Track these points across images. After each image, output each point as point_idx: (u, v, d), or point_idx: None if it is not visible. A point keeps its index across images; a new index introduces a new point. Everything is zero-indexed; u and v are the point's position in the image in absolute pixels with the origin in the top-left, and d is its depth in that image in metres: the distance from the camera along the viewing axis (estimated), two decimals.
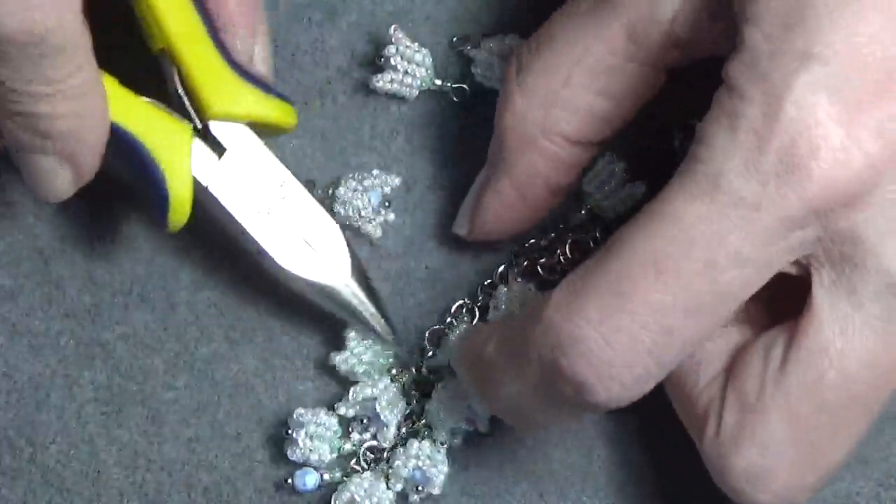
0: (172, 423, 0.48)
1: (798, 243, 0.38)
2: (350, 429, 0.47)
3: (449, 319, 0.48)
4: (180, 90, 0.44)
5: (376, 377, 0.47)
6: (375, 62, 0.49)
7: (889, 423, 0.47)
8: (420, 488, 0.46)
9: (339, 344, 0.47)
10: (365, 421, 0.47)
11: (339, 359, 0.47)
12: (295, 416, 0.46)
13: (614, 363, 0.38)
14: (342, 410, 0.47)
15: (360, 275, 0.46)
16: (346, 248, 0.46)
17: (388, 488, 0.46)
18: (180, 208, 0.44)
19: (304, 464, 0.46)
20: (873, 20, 0.37)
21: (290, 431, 0.46)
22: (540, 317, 0.39)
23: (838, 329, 0.38)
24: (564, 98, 0.43)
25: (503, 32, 0.49)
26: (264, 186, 0.45)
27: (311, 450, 0.46)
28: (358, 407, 0.47)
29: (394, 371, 0.47)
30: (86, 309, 0.48)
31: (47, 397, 0.48)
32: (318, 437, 0.46)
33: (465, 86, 0.49)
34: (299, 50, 0.50)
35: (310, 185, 0.48)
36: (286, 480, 0.47)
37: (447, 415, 0.46)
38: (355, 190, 0.48)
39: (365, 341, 0.47)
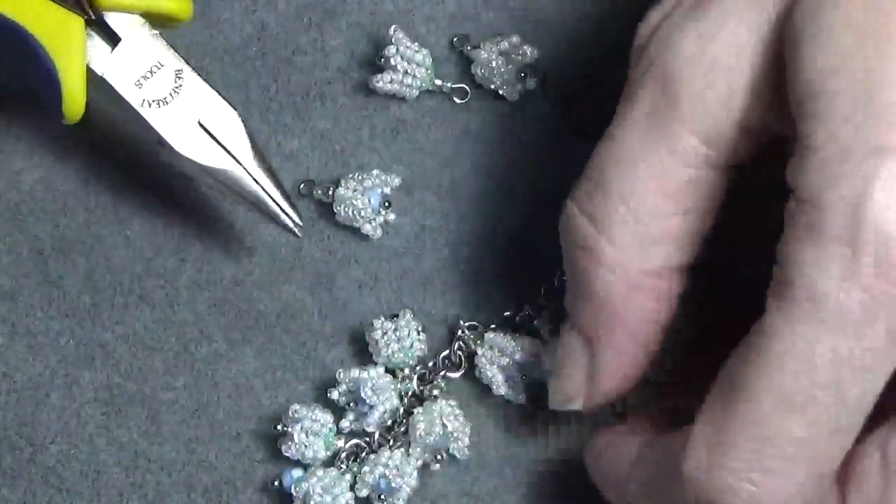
0: (172, 423, 0.48)
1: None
2: (342, 419, 0.47)
3: (457, 344, 0.48)
4: None
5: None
6: (375, 62, 0.49)
7: None
8: (382, 497, 0.46)
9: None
10: (352, 405, 0.46)
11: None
12: (290, 411, 0.46)
13: (774, 501, 0.37)
14: (334, 395, 0.47)
15: (262, 161, 0.45)
16: (244, 133, 0.45)
17: (354, 492, 0.46)
18: (75, 99, 0.44)
19: (299, 461, 0.46)
20: None
21: (285, 427, 0.46)
22: (679, 473, 0.38)
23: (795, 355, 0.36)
24: (658, 232, 0.40)
25: (503, 32, 0.49)
26: (160, 76, 0.45)
27: (305, 445, 0.46)
28: (347, 389, 0.46)
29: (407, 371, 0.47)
30: (86, 309, 0.48)
31: (47, 397, 0.48)
32: (313, 434, 0.46)
33: (465, 86, 0.49)
34: (299, 50, 0.50)
35: (310, 185, 0.48)
36: (273, 482, 0.47)
37: (426, 434, 0.46)
38: (355, 190, 0.48)
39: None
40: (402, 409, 0.47)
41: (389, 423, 0.47)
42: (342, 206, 0.48)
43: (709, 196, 0.40)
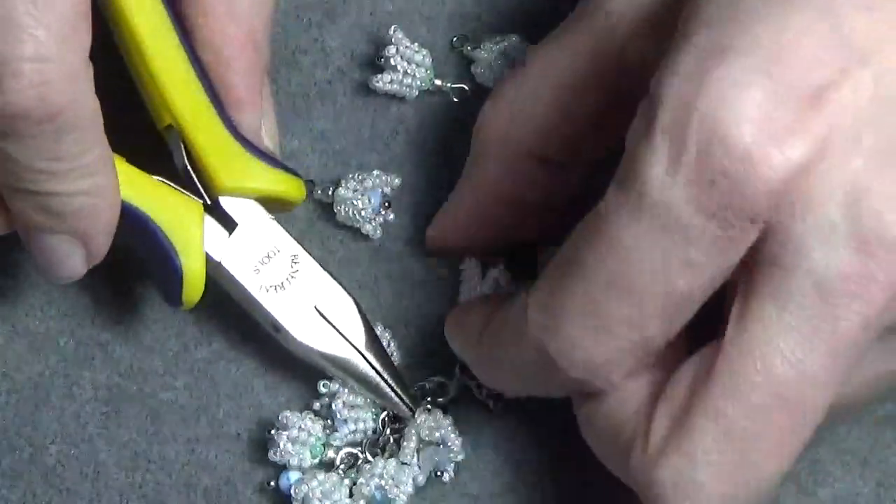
0: (172, 423, 0.48)
1: (739, 247, 0.37)
2: (331, 429, 0.47)
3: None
4: (188, 167, 0.44)
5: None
6: (375, 62, 0.49)
7: (889, 423, 0.47)
8: None
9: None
10: (329, 420, 0.46)
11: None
12: (280, 417, 0.46)
13: (603, 366, 0.39)
14: (316, 406, 0.47)
15: (377, 345, 0.46)
16: (360, 320, 0.45)
17: (353, 500, 0.46)
18: (194, 285, 0.44)
19: (286, 466, 0.46)
20: (807, 14, 0.35)
21: (272, 432, 0.46)
22: (523, 330, 0.40)
23: (763, 331, 0.37)
24: (528, 112, 0.43)
25: (503, 32, 0.49)
26: (277, 261, 0.45)
27: (291, 453, 0.46)
28: (328, 402, 0.46)
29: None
30: (86, 309, 0.48)
31: (47, 397, 0.48)
32: (299, 442, 0.46)
33: (465, 86, 0.49)
34: (299, 50, 0.50)
35: (310, 185, 0.48)
36: (268, 483, 0.47)
37: (418, 447, 0.46)
38: (355, 190, 0.48)
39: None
40: (384, 420, 0.47)
41: (360, 440, 0.47)
42: (342, 206, 0.48)
43: (589, 109, 0.42)
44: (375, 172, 0.48)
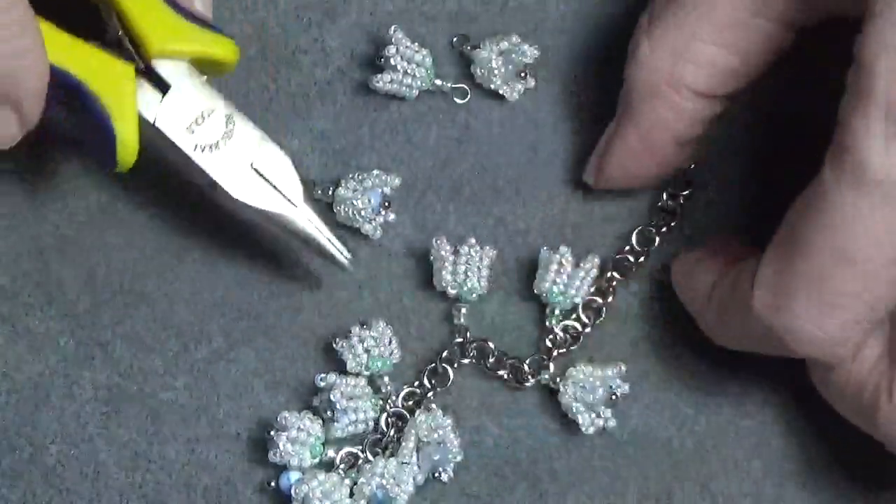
0: (172, 423, 0.48)
1: None
2: (330, 421, 0.47)
3: (446, 354, 0.48)
4: (120, 30, 0.44)
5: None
6: (375, 62, 0.49)
7: None
8: None
9: (339, 342, 0.48)
10: (329, 412, 0.46)
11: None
12: (279, 417, 0.46)
13: (834, 342, 0.40)
14: (316, 402, 0.47)
15: (312, 200, 0.46)
16: (296, 177, 0.45)
17: (353, 500, 0.46)
18: (128, 147, 0.44)
19: (286, 466, 0.46)
20: None
21: (271, 432, 0.46)
22: (749, 308, 0.41)
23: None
24: (692, 50, 0.43)
25: (503, 32, 0.49)
26: (211, 122, 0.45)
27: (291, 453, 0.46)
28: (327, 396, 0.46)
29: (386, 380, 0.47)
30: (86, 309, 0.48)
31: (47, 397, 0.48)
32: (299, 442, 0.46)
33: (465, 86, 0.49)
34: (299, 50, 0.50)
35: (309, 185, 0.48)
36: (268, 483, 0.47)
37: (418, 447, 0.46)
38: (355, 190, 0.48)
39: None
40: (387, 420, 0.47)
41: (360, 431, 0.47)
42: (342, 206, 0.48)
43: (753, 43, 0.43)
44: (375, 172, 0.48)
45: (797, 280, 0.40)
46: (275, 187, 0.45)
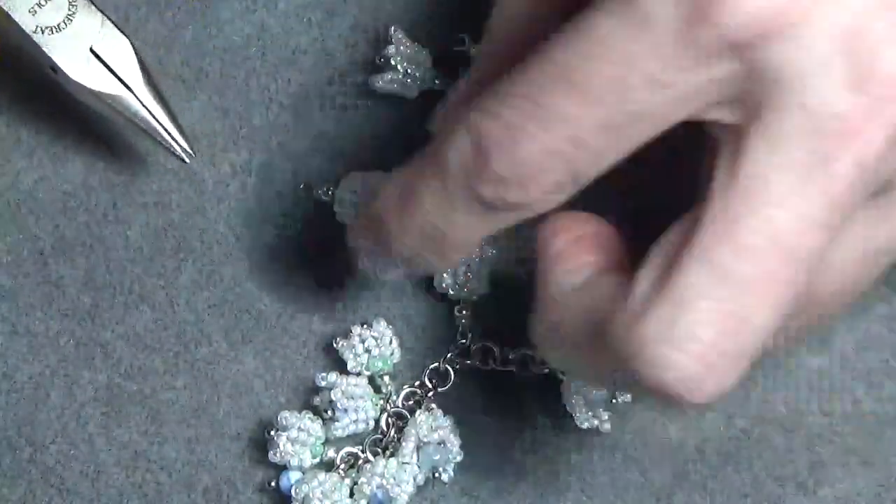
0: (172, 423, 0.48)
1: (719, 78, 0.35)
2: (330, 421, 0.47)
3: (449, 355, 0.48)
4: None
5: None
6: (375, 62, 0.49)
7: (889, 424, 0.47)
8: None
9: (339, 341, 0.48)
10: (329, 412, 0.46)
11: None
12: (279, 417, 0.46)
13: (531, 164, 0.37)
14: (316, 401, 0.47)
15: (153, 88, 0.46)
16: (136, 61, 0.46)
17: (354, 500, 0.46)
18: None
19: (286, 466, 0.46)
20: None
21: (271, 432, 0.46)
22: (456, 127, 0.38)
23: (755, 174, 0.36)
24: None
25: None
26: (54, 4, 0.45)
27: (291, 453, 0.46)
28: (328, 395, 0.47)
29: (387, 380, 0.47)
30: (86, 309, 0.48)
31: (47, 397, 0.48)
32: (299, 442, 0.46)
33: None
34: (299, 50, 0.50)
35: (309, 185, 0.48)
36: (268, 483, 0.47)
37: (418, 446, 0.46)
38: (354, 190, 0.48)
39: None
40: (387, 420, 0.47)
41: (361, 430, 0.47)
42: (342, 206, 0.48)
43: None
44: (377, 173, 0.48)
45: (517, 87, 0.36)
46: (112, 71, 0.45)
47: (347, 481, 0.46)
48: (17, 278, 0.48)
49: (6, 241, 0.49)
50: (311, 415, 0.47)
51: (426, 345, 0.48)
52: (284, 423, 0.46)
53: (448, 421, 0.47)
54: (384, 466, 0.46)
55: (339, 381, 0.46)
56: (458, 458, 0.46)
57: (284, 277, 0.48)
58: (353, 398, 0.46)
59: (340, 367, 0.47)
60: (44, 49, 0.45)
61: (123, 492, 0.47)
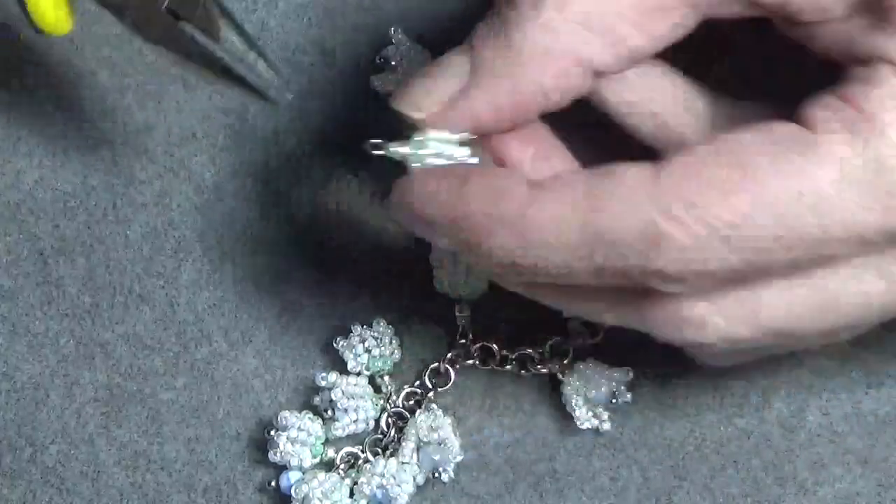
0: (172, 423, 0.48)
1: None
2: (331, 421, 0.47)
3: (449, 355, 0.48)
4: None
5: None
6: (375, 62, 0.49)
7: (889, 423, 0.47)
8: None
9: (339, 341, 0.48)
10: (329, 412, 0.47)
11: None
12: (279, 417, 0.46)
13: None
14: (316, 401, 0.47)
15: (236, 30, 0.43)
16: (213, 8, 0.43)
17: (354, 500, 0.46)
18: (46, 17, 0.42)
19: (286, 466, 0.46)
20: None
21: (271, 432, 0.46)
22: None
23: None
24: (607, 26, 0.39)
25: None
26: None
27: (291, 453, 0.46)
28: (328, 395, 0.47)
29: (387, 380, 0.47)
30: (86, 309, 0.48)
31: (47, 397, 0.48)
32: (299, 442, 0.46)
33: None
34: (299, 50, 0.50)
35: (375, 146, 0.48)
36: (268, 483, 0.47)
37: (418, 446, 0.46)
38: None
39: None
40: (387, 420, 0.47)
41: (361, 430, 0.47)
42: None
43: (669, 29, 0.40)
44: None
45: None
46: (192, 28, 0.43)
47: (347, 481, 0.46)
48: (17, 278, 0.48)
49: (6, 241, 0.49)
50: (311, 415, 0.47)
51: (426, 345, 0.48)
52: (284, 423, 0.46)
53: (448, 421, 0.47)
54: (384, 466, 0.46)
55: (339, 381, 0.46)
56: (458, 458, 0.47)
57: (284, 277, 0.48)
58: (353, 398, 0.46)
59: (340, 367, 0.47)
60: (114, 16, 0.42)
61: (123, 492, 0.47)
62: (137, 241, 0.49)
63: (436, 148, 0.40)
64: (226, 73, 0.43)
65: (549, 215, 0.37)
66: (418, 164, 0.40)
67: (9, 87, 0.49)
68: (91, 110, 0.48)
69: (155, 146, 0.48)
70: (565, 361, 0.48)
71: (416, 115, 0.40)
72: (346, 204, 0.49)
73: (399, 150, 0.40)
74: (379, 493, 0.46)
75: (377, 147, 0.40)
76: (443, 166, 0.40)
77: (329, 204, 0.49)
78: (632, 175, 0.37)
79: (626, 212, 0.36)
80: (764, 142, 0.37)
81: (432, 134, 0.40)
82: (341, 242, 0.49)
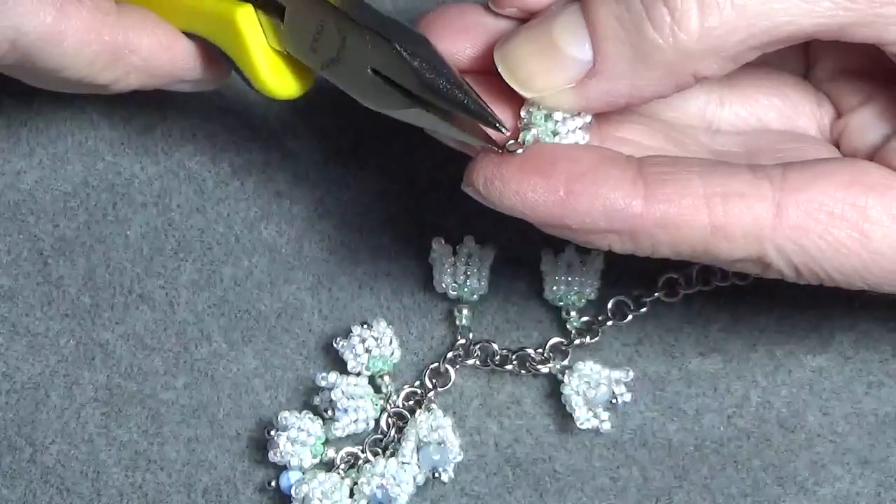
0: (172, 423, 0.48)
1: None
2: (331, 420, 0.47)
3: (449, 355, 0.48)
4: None
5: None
6: None
7: (889, 423, 0.47)
8: None
9: (339, 341, 0.48)
10: (329, 412, 0.47)
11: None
12: (279, 417, 0.46)
13: None
14: (316, 401, 0.47)
15: (444, 77, 0.41)
16: (410, 66, 0.41)
17: (354, 500, 0.46)
18: (265, 81, 0.43)
19: (286, 466, 0.46)
20: None
21: (271, 432, 0.46)
22: None
23: None
24: (731, 52, 0.39)
25: None
26: (326, 34, 0.42)
27: (291, 453, 0.46)
28: (328, 395, 0.47)
29: (387, 380, 0.47)
30: (86, 309, 0.48)
31: (47, 397, 0.48)
32: (299, 442, 0.46)
33: None
34: None
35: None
36: (268, 483, 0.47)
37: (418, 446, 0.46)
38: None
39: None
40: (387, 420, 0.47)
41: (361, 430, 0.47)
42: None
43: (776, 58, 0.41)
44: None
45: None
46: (399, 86, 0.41)
47: (347, 481, 0.46)
48: (17, 278, 0.48)
49: (6, 241, 0.49)
50: (311, 415, 0.47)
51: (426, 345, 0.48)
52: (284, 423, 0.46)
53: (448, 421, 0.47)
54: (384, 466, 0.46)
55: (339, 381, 0.46)
56: (458, 458, 0.47)
57: (284, 277, 0.48)
58: (353, 398, 0.46)
59: (340, 367, 0.47)
60: (334, 82, 0.42)
61: (123, 492, 0.47)
62: (137, 241, 0.49)
63: (542, 123, 0.40)
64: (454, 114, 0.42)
65: (665, 231, 0.39)
66: (529, 135, 0.40)
67: (9, 87, 0.49)
68: (91, 110, 0.48)
69: (155, 146, 0.48)
70: (565, 361, 0.48)
71: (530, 94, 0.40)
72: (347, 204, 0.49)
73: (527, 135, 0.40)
74: (379, 493, 0.46)
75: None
76: (551, 142, 0.40)
77: (329, 204, 0.49)
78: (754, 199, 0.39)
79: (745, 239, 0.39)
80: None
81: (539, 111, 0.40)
82: (341, 242, 0.49)
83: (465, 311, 0.48)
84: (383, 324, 0.47)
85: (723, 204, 0.39)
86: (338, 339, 0.47)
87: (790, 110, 0.44)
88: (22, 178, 0.49)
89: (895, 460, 0.47)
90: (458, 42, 0.42)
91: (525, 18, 0.42)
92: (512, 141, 0.40)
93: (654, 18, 0.38)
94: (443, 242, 0.47)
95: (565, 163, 0.39)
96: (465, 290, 0.47)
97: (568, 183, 0.39)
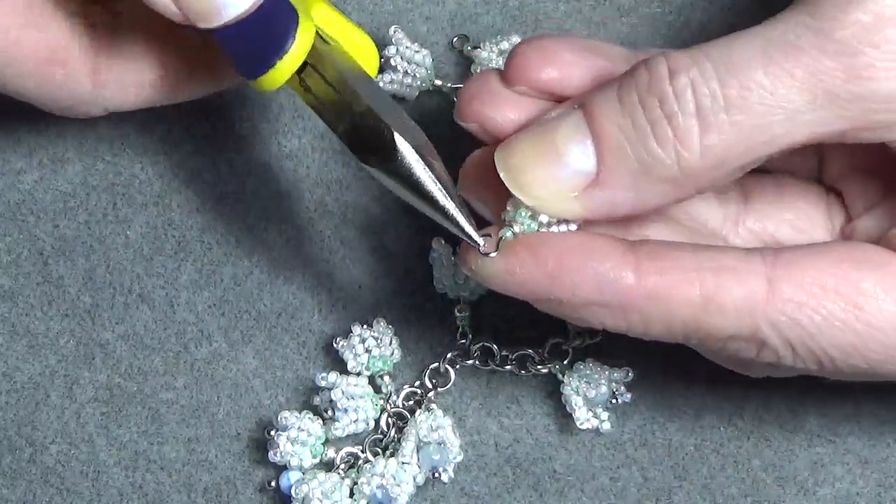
0: (172, 423, 0.48)
1: None
2: (331, 421, 0.47)
3: (449, 355, 0.48)
4: None
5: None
6: None
7: (889, 423, 0.47)
8: None
9: (339, 341, 0.48)
10: (329, 412, 0.47)
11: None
12: (279, 417, 0.46)
13: None
14: (316, 401, 0.47)
15: (441, 183, 0.41)
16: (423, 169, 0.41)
17: (354, 500, 0.46)
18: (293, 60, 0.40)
19: (286, 466, 0.46)
20: None
21: (271, 432, 0.46)
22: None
23: None
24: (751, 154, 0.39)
25: (503, 32, 0.49)
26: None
27: (291, 453, 0.46)
28: (328, 395, 0.47)
29: (387, 380, 0.47)
30: (86, 309, 0.48)
31: (47, 397, 0.48)
32: (299, 442, 0.46)
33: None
34: None
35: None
36: (268, 483, 0.47)
37: (418, 446, 0.46)
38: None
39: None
40: (387, 420, 0.47)
41: (361, 430, 0.47)
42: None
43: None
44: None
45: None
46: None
47: (347, 481, 0.46)
48: (17, 278, 0.48)
49: (6, 241, 0.49)
50: (311, 415, 0.47)
51: (426, 345, 0.48)
52: (284, 423, 0.46)
53: (448, 421, 0.47)
54: (384, 466, 0.46)
55: (339, 381, 0.46)
56: (458, 458, 0.47)
57: (284, 277, 0.48)
58: (353, 398, 0.46)
59: (340, 367, 0.47)
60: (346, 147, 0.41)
61: (123, 492, 0.47)
62: (137, 241, 0.49)
63: (526, 221, 0.40)
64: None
65: (657, 304, 0.39)
66: (510, 232, 0.40)
67: None
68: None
69: (154, 146, 0.48)
70: (565, 361, 0.48)
71: (530, 201, 0.40)
72: (346, 204, 0.49)
73: (508, 233, 0.40)
74: (379, 493, 0.46)
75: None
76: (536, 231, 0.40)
77: (329, 204, 0.49)
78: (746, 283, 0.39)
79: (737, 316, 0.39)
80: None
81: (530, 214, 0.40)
82: (341, 242, 0.49)
83: (465, 312, 0.48)
84: (383, 324, 0.47)
85: (714, 277, 0.39)
86: (338, 339, 0.47)
87: (804, 223, 0.44)
88: (22, 178, 0.49)
89: (895, 460, 0.47)
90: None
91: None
92: (486, 246, 0.40)
93: (659, 135, 0.38)
94: (443, 242, 0.47)
95: (555, 238, 0.40)
96: (466, 290, 0.47)
97: (557, 256, 0.39)
